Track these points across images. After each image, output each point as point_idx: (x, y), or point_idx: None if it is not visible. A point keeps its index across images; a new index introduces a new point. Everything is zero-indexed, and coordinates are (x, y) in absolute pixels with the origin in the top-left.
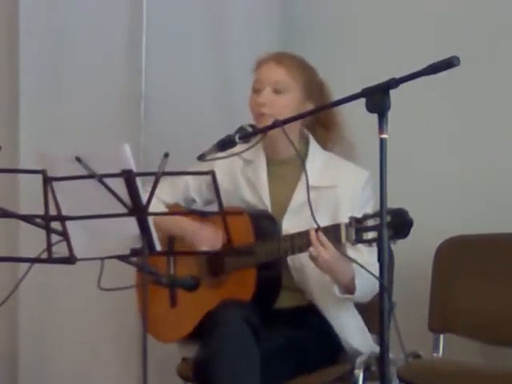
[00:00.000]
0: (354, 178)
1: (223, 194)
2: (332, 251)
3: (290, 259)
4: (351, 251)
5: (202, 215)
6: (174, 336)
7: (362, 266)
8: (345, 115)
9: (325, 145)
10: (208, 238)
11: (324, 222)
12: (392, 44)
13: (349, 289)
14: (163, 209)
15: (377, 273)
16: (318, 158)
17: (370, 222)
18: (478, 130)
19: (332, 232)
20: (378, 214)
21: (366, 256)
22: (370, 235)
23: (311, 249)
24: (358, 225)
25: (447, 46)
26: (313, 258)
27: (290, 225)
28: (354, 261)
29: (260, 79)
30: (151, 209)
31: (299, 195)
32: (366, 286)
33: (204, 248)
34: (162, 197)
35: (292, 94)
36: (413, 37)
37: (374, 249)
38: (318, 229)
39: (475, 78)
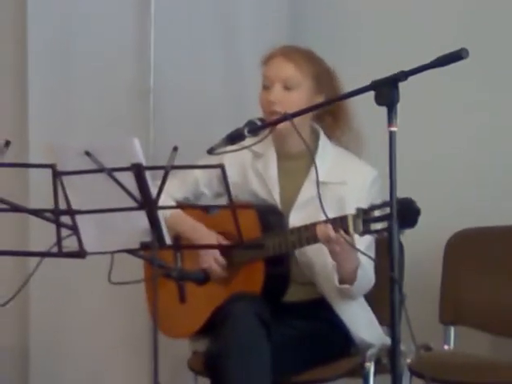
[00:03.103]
0: (362, 176)
1: (232, 187)
2: (342, 243)
3: (298, 253)
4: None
5: (210, 209)
6: (185, 332)
7: (369, 257)
8: (353, 106)
9: (333, 133)
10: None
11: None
12: (400, 39)
13: (350, 279)
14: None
15: (372, 271)
16: (327, 154)
17: (377, 213)
18: (490, 122)
19: (339, 223)
20: (385, 205)
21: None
22: (378, 226)
23: (321, 239)
24: (365, 216)
25: (455, 38)
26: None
27: (297, 219)
28: (362, 252)
29: (269, 76)
30: (161, 204)
31: (307, 190)
32: (365, 278)
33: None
34: (172, 193)
35: (302, 90)
36: (422, 29)
37: (372, 245)
38: (326, 221)
39: (486, 69)
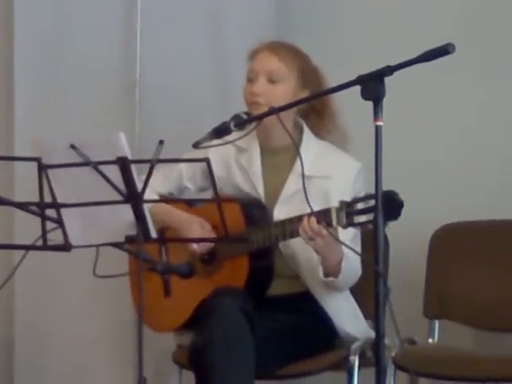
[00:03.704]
0: (346, 168)
1: (216, 181)
2: (325, 236)
3: (282, 246)
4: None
5: (194, 203)
6: (169, 326)
7: (353, 250)
8: (339, 102)
9: (319, 132)
10: (197, 231)
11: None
12: (386, 36)
13: (334, 271)
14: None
15: (358, 263)
16: (311, 147)
17: (361, 206)
18: (477, 116)
19: (323, 216)
20: (369, 197)
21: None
22: (362, 218)
23: (303, 235)
24: (348, 208)
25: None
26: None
27: (282, 213)
28: (345, 245)
29: (254, 69)
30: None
31: (291, 184)
32: (350, 270)
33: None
34: (156, 187)
35: (287, 83)
36: (407, 25)
37: (358, 238)
38: (310, 214)
39: (472, 65)
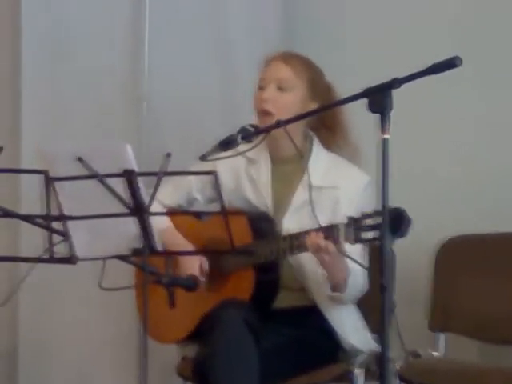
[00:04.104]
0: (355, 181)
1: (226, 194)
2: (332, 252)
3: (291, 258)
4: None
5: (201, 216)
6: (173, 337)
7: (360, 265)
8: (349, 117)
9: (329, 147)
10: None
11: (322, 223)
12: (394, 43)
13: (340, 287)
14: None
15: (364, 276)
16: (320, 159)
17: (369, 222)
18: (478, 129)
19: (331, 231)
20: (377, 213)
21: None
22: (369, 234)
23: (310, 249)
24: (356, 224)
25: (450, 45)
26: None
27: (291, 224)
28: (353, 260)
29: (265, 77)
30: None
31: (300, 194)
32: (356, 286)
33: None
34: (164, 200)
35: (296, 92)
36: (415, 36)
37: (366, 252)
38: (317, 229)
39: (478, 78)
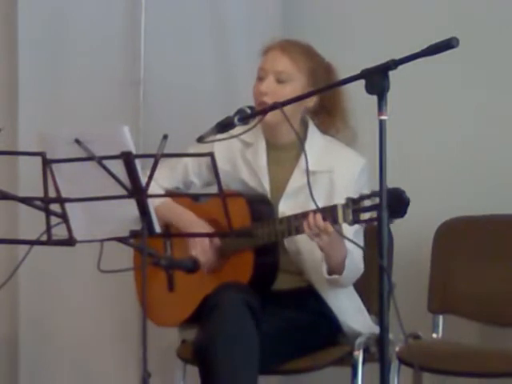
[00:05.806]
0: (351, 164)
1: (222, 176)
2: (331, 233)
3: (287, 242)
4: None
5: (199, 198)
6: (173, 320)
7: (358, 246)
8: (351, 101)
9: (327, 131)
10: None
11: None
12: (392, 35)
13: (338, 269)
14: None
15: (361, 259)
16: (316, 143)
17: (367, 203)
18: (477, 112)
19: (329, 213)
20: (375, 194)
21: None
22: (367, 216)
23: (308, 231)
24: (354, 206)
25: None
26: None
27: (287, 208)
28: (352, 241)
29: (264, 67)
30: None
31: (296, 179)
32: (353, 267)
33: (193, 251)
34: (161, 182)
35: (295, 84)
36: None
37: (361, 234)
38: (316, 210)
39: (476, 60)
